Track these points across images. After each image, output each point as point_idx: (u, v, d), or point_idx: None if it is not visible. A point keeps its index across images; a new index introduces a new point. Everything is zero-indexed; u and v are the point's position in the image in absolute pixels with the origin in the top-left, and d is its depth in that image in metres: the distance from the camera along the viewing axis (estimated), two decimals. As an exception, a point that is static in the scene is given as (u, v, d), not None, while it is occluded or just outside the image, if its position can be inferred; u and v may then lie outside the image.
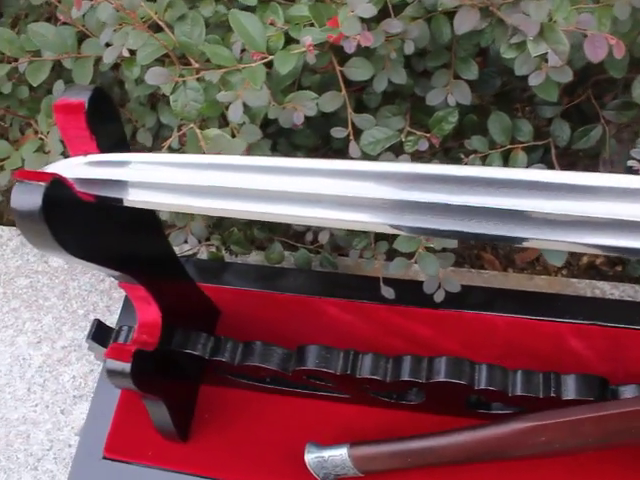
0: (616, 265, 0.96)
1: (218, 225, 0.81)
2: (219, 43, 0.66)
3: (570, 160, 0.85)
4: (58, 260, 0.97)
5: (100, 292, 0.94)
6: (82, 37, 0.74)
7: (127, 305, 0.83)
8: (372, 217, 0.45)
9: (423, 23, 0.64)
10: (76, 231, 0.51)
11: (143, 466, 0.73)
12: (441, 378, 0.64)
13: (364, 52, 0.63)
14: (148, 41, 0.59)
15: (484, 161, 0.73)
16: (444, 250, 0.73)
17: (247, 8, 0.67)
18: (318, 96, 0.62)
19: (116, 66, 0.78)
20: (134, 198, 0.52)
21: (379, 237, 0.79)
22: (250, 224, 0.82)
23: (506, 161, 0.73)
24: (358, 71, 0.61)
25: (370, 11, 0.56)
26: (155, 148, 0.80)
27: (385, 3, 0.63)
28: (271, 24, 0.64)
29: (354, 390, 0.69)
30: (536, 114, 0.77)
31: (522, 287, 0.88)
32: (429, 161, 0.73)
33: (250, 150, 0.63)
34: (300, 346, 0.67)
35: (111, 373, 0.60)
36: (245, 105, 0.58)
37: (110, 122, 0.53)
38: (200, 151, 0.65)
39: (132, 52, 0.64)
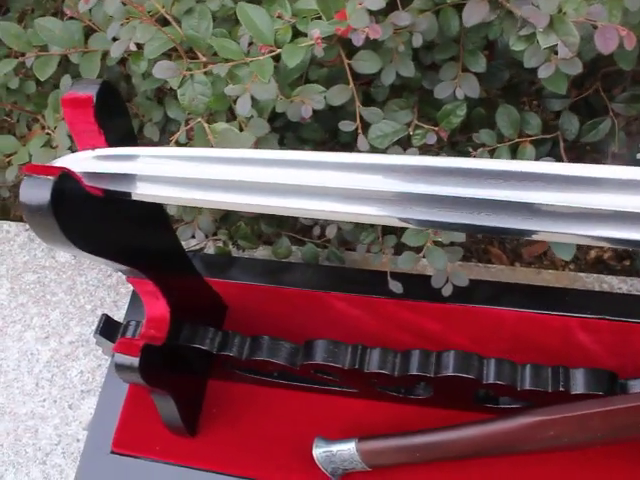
0: (624, 259, 0.96)
1: (225, 220, 0.81)
2: (226, 36, 0.66)
3: (578, 153, 0.84)
4: (65, 255, 0.97)
5: (107, 287, 0.94)
6: (89, 31, 0.74)
7: (135, 300, 0.84)
8: (380, 210, 0.45)
9: (431, 15, 0.63)
10: (84, 225, 0.51)
11: (151, 460, 0.73)
12: (449, 372, 0.63)
13: (372, 45, 0.63)
14: (156, 35, 0.59)
15: (492, 154, 0.72)
16: (452, 244, 0.73)
17: (254, 1, 0.67)
18: (326, 89, 0.62)
19: (123, 60, 0.78)
20: (142, 192, 0.52)
21: (386, 231, 0.79)
22: (257, 218, 0.82)
23: (514, 154, 0.73)
24: (366, 64, 0.61)
25: (379, 3, 0.56)
26: (162, 142, 0.80)
27: (392, -5, 0.63)
28: (278, 17, 0.64)
29: (362, 384, 0.69)
30: (544, 107, 0.77)
31: (530, 281, 0.87)
32: (437, 154, 0.73)
33: (258, 144, 0.63)
34: (308, 340, 0.67)
35: (120, 367, 0.60)
36: (253, 99, 0.57)
37: (118, 116, 0.53)
38: (208, 145, 0.64)
39: (139, 46, 0.64)
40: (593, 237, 0.42)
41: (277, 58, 0.61)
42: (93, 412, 0.85)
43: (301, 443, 0.72)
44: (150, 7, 0.64)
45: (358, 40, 0.56)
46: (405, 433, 0.65)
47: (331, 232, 0.76)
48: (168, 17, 0.63)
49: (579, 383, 0.63)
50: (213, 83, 0.61)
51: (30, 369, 0.90)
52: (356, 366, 0.65)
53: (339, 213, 0.47)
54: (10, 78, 0.72)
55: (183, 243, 0.73)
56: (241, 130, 0.62)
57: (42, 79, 0.68)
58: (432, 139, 0.69)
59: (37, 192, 0.46)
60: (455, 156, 0.75)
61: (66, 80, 0.71)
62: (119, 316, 0.92)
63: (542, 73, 0.58)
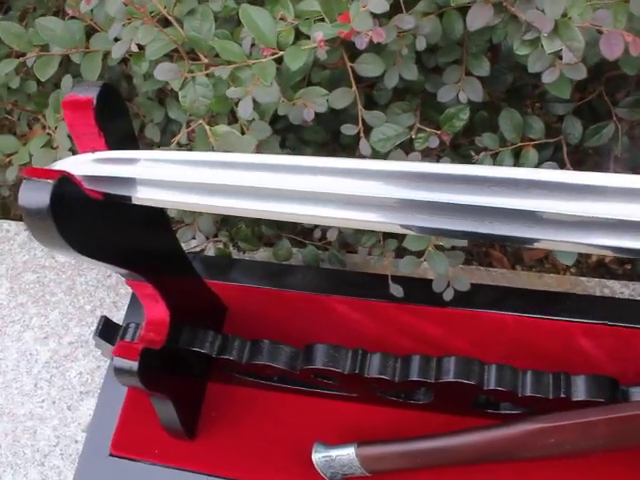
0: (625, 263, 0.96)
1: (226, 221, 0.81)
2: (228, 38, 0.65)
3: (581, 158, 0.84)
4: (65, 255, 0.97)
5: (107, 288, 0.94)
6: (90, 31, 0.73)
7: (134, 301, 0.83)
8: (382, 217, 0.45)
9: (435, 19, 0.63)
10: (84, 229, 0.51)
11: (150, 463, 0.73)
12: (450, 378, 0.63)
13: (375, 48, 0.62)
14: (157, 36, 0.58)
15: (495, 159, 0.72)
16: (454, 248, 0.73)
17: (257, 2, 0.67)
18: (328, 92, 0.62)
19: (124, 60, 0.78)
20: (142, 196, 0.52)
21: (388, 235, 0.78)
22: (258, 220, 0.82)
23: (517, 158, 0.72)
24: (369, 67, 0.60)
25: (382, 6, 0.55)
26: (163, 143, 0.80)
27: (396, -2, 0.63)
28: (281, 19, 0.64)
29: (362, 389, 0.69)
30: (546, 110, 0.76)
31: (531, 285, 0.87)
32: (439, 158, 0.72)
33: (259, 146, 0.62)
34: (308, 345, 0.66)
35: (118, 371, 0.60)
36: (255, 101, 0.57)
37: (119, 118, 0.53)
38: (209, 147, 0.64)
39: (141, 47, 0.64)
40: (596, 246, 0.42)
41: (279, 60, 0.61)
42: (92, 414, 0.85)
43: (300, 447, 0.71)
44: (152, 7, 0.63)
45: (362, 43, 0.56)
46: (405, 439, 0.64)
47: (332, 235, 0.75)
48: (170, 18, 0.62)
49: (580, 390, 0.62)
50: (215, 85, 0.61)
51: (29, 369, 0.90)
52: (356, 371, 0.64)
53: (340, 219, 0.47)
54: (11, 78, 0.71)
55: (183, 245, 0.72)
56: (243, 133, 0.61)
57: (43, 79, 0.67)
58: (435, 143, 0.68)
59: (36, 195, 0.46)
60: (457, 159, 0.75)
61: (67, 80, 0.71)
62: (118, 317, 0.91)
63: (546, 78, 0.58)
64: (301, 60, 0.56)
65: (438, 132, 0.69)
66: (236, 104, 0.63)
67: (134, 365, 0.59)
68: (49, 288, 0.95)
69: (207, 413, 0.74)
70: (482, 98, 0.66)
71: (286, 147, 0.76)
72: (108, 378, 0.80)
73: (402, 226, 0.45)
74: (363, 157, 0.78)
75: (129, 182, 0.52)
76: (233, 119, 0.65)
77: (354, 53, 0.63)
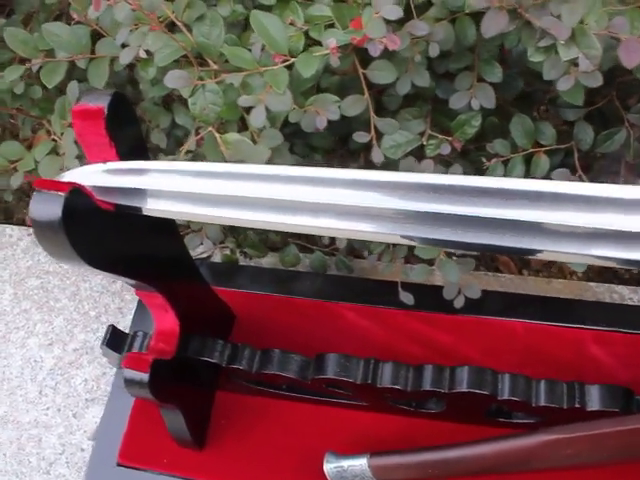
0: (632, 267, 0.95)
1: (233, 228, 0.80)
2: (236, 44, 0.64)
3: (591, 163, 0.83)
4: (69, 261, 0.96)
5: (112, 294, 0.93)
6: (95, 36, 0.72)
7: (141, 308, 0.82)
8: (382, 228, 0.45)
9: (447, 25, 0.62)
10: (95, 241, 0.50)
11: (158, 474, 0.72)
12: (464, 388, 0.62)
13: (387, 54, 0.62)
14: (167, 42, 0.57)
15: (506, 165, 0.71)
16: (464, 255, 0.72)
17: (265, 7, 0.66)
18: (339, 99, 0.61)
19: (129, 65, 0.77)
20: (153, 207, 0.51)
21: (397, 241, 0.78)
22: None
23: (528, 165, 0.72)
24: (382, 74, 0.59)
25: (396, 13, 0.55)
26: (169, 148, 0.79)
27: (407, 3, 0.62)
28: (290, 24, 0.63)
29: (373, 398, 0.68)
30: (557, 116, 0.76)
31: (540, 291, 0.86)
32: (448, 165, 0.72)
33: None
34: (319, 354, 0.65)
35: (129, 383, 0.59)
36: (267, 109, 0.56)
37: (129, 127, 0.52)
38: (219, 155, 0.63)
39: (149, 53, 0.63)
40: (599, 257, 0.41)
41: (289, 66, 0.60)
42: (98, 422, 0.84)
43: (310, 456, 0.71)
44: (160, 13, 0.62)
45: (375, 50, 0.55)
46: (418, 449, 0.64)
47: (341, 242, 0.75)
48: (179, 23, 0.61)
49: (594, 399, 0.62)
50: (224, 92, 0.60)
51: (34, 376, 0.89)
52: (369, 381, 0.64)
53: (341, 230, 0.46)
54: (16, 83, 0.70)
55: (190, 251, 0.71)
56: (253, 140, 0.60)
57: (50, 86, 0.66)
58: (446, 149, 0.68)
59: (48, 208, 0.45)
60: (467, 166, 0.74)
61: (73, 86, 0.70)
62: (124, 323, 0.91)
63: (562, 86, 0.57)
64: (313, 67, 0.55)
65: (449, 139, 0.68)
66: (246, 111, 0.62)
67: (145, 377, 0.58)
68: (53, 294, 0.94)
69: (216, 422, 0.73)
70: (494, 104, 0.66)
71: (294, 153, 0.75)
72: (115, 387, 0.79)
73: (403, 237, 0.44)
74: (372, 163, 0.78)
75: (140, 193, 0.51)
76: (242, 126, 0.64)
77: (365, 59, 0.63)
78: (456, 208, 0.42)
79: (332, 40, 0.55)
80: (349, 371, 0.64)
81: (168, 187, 0.50)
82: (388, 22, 0.56)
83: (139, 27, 0.64)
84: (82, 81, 0.72)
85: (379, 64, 0.60)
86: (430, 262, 0.72)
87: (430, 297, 0.76)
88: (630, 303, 0.84)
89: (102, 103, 0.49)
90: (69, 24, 0.71)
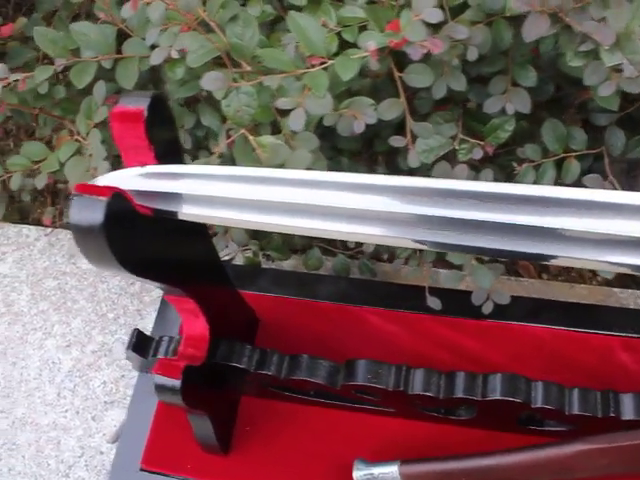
0: (652, 272, 0.94)
1: (257, 230, 0.79)
2: (266, 45, 0.64)
3: (621, 169, 0.83)
4: (87, 261, 0.95)
5: (130, 295, 0.92)
6: (121, 36, 0.71)
7: (163, 311, 0.81)
8: (394, 232, 0.44)
9: (485, 28, 0.61)
10: (134, 246, 0.49)
11: (182, 479, 0.71)
12: (497, 396, 0.61)
13: (423, 58, 0.61)
14: (203, 43, 0.56)
15: (537, 170, 0.71)
16: (494, 261, 0.71)
17: (295, 8, 0.65)
18: (374, 102, 0.60)
19: (152, 65, 0.76)
20: (189, 212, 0.50)
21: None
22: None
23: (559, 170, 0.71)
24: (418, 77, 0.59)
25: (437, 16, 0.54)
26: (194, 150, 0.78)
27: (441, 5, 0.61)
28: (323, 25, 0.62)
29: (402, 405, 0.67)
30: (588, 121, 0.75)
31: (563, 296, 0.86)
32: (477, 169, 0.71)
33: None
34: (349, 360, 0.65)
35: (160, 389, 0.58)
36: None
37: (167, 131, 0.51)
38: (249, 158, 0.62)
39: (180, 54, 0.62)
40: (614, 263, 0.41)
41: (324, 69, 0.59)
42: (117, 425, 0.84)
43: (336, 463, 0.70)
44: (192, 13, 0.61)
45: (416, 54, 0.54)
46: (450, 457, 0.63)
47: (368, 246, 0.74)
48: (212, 24, 0.60)
49: (629, 408, 0.61)
50: (258, 94, 0.59)
51: (52, 378, 0.88)
52: (400, 388, 0.63)
53: (353, 234, 0.46)
54: (40, 83, 0.69)
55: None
56: (287, 143, 0.59)
57: (80, 87, 0.65)
58: (478, 154, 0.67)
59: (89, 213, 0.44)
60: (496, 171, 0.74)
61: (100, 86, 0.68)
62: (142, 325, 0.90)
63: (603, 91, 0.57)
64: (352, 70, 0.55)
65: (481, 143, 0.67)
66: (279, 114, 0.62)
67: (177, 383, 0.57)
68: (70, 295, 0.93)
69: (241, 428, 0.73)
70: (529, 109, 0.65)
71: (321, 155, 0.74)
72: (138, 390, 0.77)
73: (415, 241, 0.44)
74: (398, 167, 0.77)
75: (176, 197, 0.50)
76: (274, 129, 0.64)
77: (399, 62, 0.62)
78: (470, 213, 0.42)
79: (371, 43, 0.54)
80: (380, 377, 0.63)
81: (204, 192, 0.49)
82: (428, 25, 0.56)
83: (169, 27, 0.64)
84: (109, 83, 0.71)
85: (416, 67, 0.59)
86: (459, 267, 0.72)
87: (456, 302, 0.76)
88: (655, 309, 0.84)
89: (142, 105, 0.48)
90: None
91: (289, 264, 0.88)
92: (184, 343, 0.62)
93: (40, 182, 0.73)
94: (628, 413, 0.61)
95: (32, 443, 0.84)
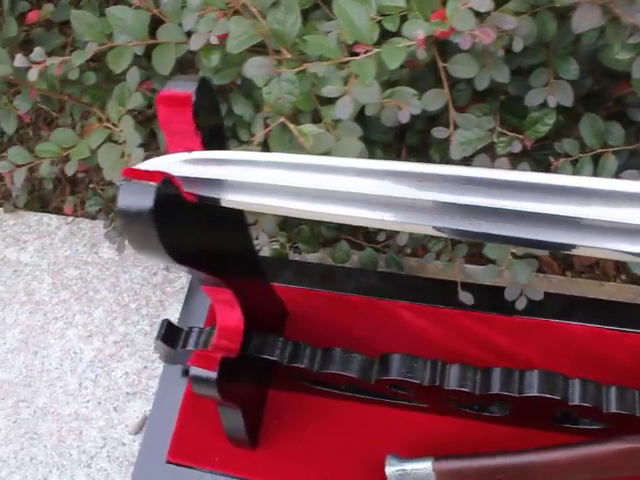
0: (675, 271, 0.94)
1: (286, 222, 0.78)
2: (306, 33, 0.62)
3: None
4: (109, 251, 0.94)
5: (153, 286, 0.91)
6: (153, 22, 0.70)
7: (190, 302, 0.80)
8: (414, 218, 0.44)
9: (529, 19, 0.60)
10: (179, 233, 0.48)
11: (209, 472, 0.70)
12: (534, 392, 0.61)
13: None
14: (249, 29, 0.55)
15: (574, 165, 0.70)
16: (528, 256, 0.71)
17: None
18: (417, 92, 0.59)
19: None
20: (232, 198, 0.49)
21: (456, 240, 0.76)
22: (319, 221, 0.79)
23: (596, 165, 0.70)
24: (463, 68, 0.58)
25: (487, 5, 0.53)
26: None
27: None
28: (363, 14, 0.61)
29: (436, 400, 0.66)
30: (625, 116, 0.74)
31: (592, 294, 0.85)
32: (514, 164, 0.70)
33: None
34: (384, 354, 0.64)
35: (196, 381, 0.57)
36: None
37: (213, 116, 0.50)
38: (286, 146, 0.61)
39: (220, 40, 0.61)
40: (636, 254, 0.41)
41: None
42: (139, 416, 0.83)
43: (364, 457, 0.69)
44: (231, -2, 0.60)
45: (466, 43, 0.53)
46: (486, 454, 0.62)
47: (402, 239, 0.73)
48: (253, 10, 0.59)
49: (668, 407, 0.60)
50: (299, 82, 0.58)
51: (73, 368, 0.87)
52: (436, 383, 0.62)
53: (374, 221, 0.46)
54: (74, 68, 0.68)
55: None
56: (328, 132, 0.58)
57: (117, 71, 0.64)
58: (517, 147, 0.66)
59: (139, 198, 0.43)
60: (532, 165, 0.73)
61: (133, 72, 0.67)
62: (165, 316, 0.89)
63: (653, 84, 0.55)
64: (399, 59, 0.54)
65: (520, 136, 0.66)
66: (320, 103, 0.61)
67: (212, 375, 0.56)
68: (92, 285, 0.92)
69: (269, 421, 0.72)
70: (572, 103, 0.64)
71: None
72: (163, 382, 0.77)
73: (435, 228, 0.44)
74: (429, 158, 0.76)
75: (220, 184, 0.49)
76: (313, 117, 0.63)
77: (441, 52, 0.61)
78: (491, 201, 0.42)
79: (419, 32, 0.53)
80: (415, 372, 0.62)
81: (248, 178, 0.49)
82: (477, 15, 0.55)
83: (207, 12, 0.63)
84: (142, 69, 0.70)
85: (461, 58, 0.58)
86: (492, 262, 0.71)
87: (487, 297, 0.75)
88: (685, 308, 0.83)
89: (189, 89, 0.47)
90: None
91: (314, 257, 0.87)
92: (218, 334, 0.61)
93: (70, 169, 0.72)
94: (667, 412, 0.60)
95: (54, 433, 0.83)
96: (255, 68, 0.55)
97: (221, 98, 0.77)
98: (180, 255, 0.48)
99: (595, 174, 0.71)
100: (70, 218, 0.98)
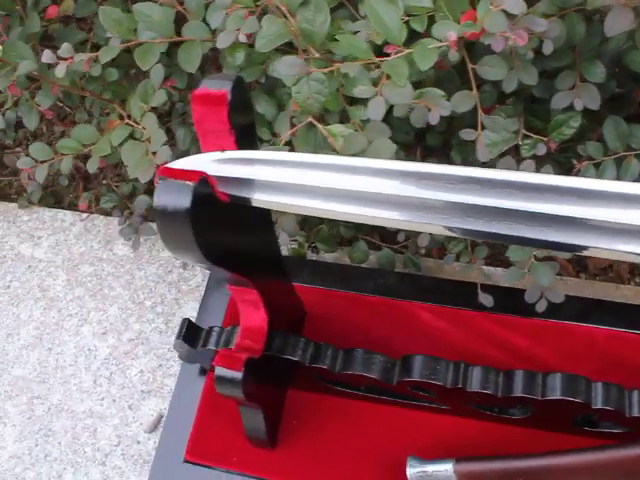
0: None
1: (305, 221, 0.78)
2: (332, 33, 0.62)
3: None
4: (124, 248, 0.94)
5: (168, 284, 0.91)
6: (177, 19, 0.70)
7: (207, 301, 0.80)
8: (426, 218, 0.45)
9: (559, 21, 0.60)
10: (213, 233, 0.48)
11: (227, 472, 0.70)
12: (557, 395, 0.61)
13: (490, 50, 0.60)
14: (281, 28, 0.55)
15: (597, 168, 0.69)
16: (549, 258, 0.70)
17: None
18: (445, 94, 0.59)
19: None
20: (263, 198, 0.49)
21: (476, 242, 0.76)
22: (337, 221, 0.79)
23: (619, 168, 0.70)
24: (492, 70, 0.57)
25: (520, 7, 0.53)
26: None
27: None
28: (390, 15, 0.61)
29: (457, 402, 0.66)
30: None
31: (608, 296, 0.85)
32: (539, 166, 0.70)
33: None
34: (405, 356, 0.64)
35: (220, 381, 0.57)
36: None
37: (246, 115, 0.50)
38: (312, 146, 0.61)
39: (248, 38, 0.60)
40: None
41: (396, 58, 0.58)
42: (154, 415, 0.83)
43: (383, 458, 0.69)
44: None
45: (498, 45, 0.53)
46: (507, 456, 0.62)
47: (423, 240, 0.73)
48: (282, 9, 0.59)
49: (691, 412, 0.60)
50: (328, 81, 0.58)
51: (88, 365, 0.87)
52: (458, 385, 0.62)
53: (378, 219, 0.46)
54: (95, 65, 0.67)
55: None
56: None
57: (144, 68, 0.64)
58: (542, 150, 0.66)
59: (176, 197, 0.43)
60: (555, 168, 0.73)
61: (158, 69, 0.67)
62: (180, 315, 0.89)
63: (684, 89, 0.55)
64: (431, 60, 0.53)
65: (544, 139, 0.66)
66: (349, 103, 0.60)
67: (238, 375, 0.56)
68: (107, 282, 0.92)
69: (288, 421, 0.72)
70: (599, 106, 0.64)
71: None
72: (181, 380, 0.76)
73: (446, 228, 0.45)
74: (450, 160, 0.76)
75: (251, 183, 0.49)
76: (341, 117, 0.62)
77: (472, 54, 0.61)
78: (503, 202, 0.43)
79: (452, 33, 0.53)
80: (438, 374, 0.62)
81: (278, 178, 0.49)
82: (508, 16, 0.54)
83: (234, 10, 0.62)
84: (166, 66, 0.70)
85: (491, 59, 0.58)
86: (511, 264, 0.71)
87: (506, 300, 0.75)
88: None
89: (225, 88, 0.47)
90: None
91: (332, 256, 0.86)
92: (242, 335, 0.61)
93: (92, 166, 0.71)
94: (690, 417, 0.60)
95: (68, 430, 0.83)
96: (287, 67, 0.54)
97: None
98: (212, 255, 0.48)
99: (618, 177, 0.70)
100: (84, 214, 0.97)
